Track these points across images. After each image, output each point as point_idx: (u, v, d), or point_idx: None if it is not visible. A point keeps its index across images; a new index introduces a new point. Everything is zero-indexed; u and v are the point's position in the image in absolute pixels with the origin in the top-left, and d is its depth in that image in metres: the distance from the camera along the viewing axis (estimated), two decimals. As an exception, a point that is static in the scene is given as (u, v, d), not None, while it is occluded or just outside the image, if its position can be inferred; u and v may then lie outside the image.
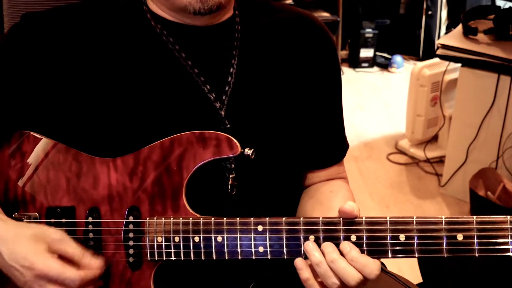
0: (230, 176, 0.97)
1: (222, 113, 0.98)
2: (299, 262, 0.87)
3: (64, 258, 0.88)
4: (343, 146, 1.15)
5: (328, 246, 0.86)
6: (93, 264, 0.89)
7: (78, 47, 0.97)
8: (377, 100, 4.10)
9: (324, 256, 0.85)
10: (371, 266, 0.84)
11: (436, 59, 2.98)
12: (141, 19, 1.00)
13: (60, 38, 0.97)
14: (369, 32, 4.62)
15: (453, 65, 2.93)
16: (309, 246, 0.86)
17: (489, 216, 0.83)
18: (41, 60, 0.96)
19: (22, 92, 0.97)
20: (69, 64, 0.96)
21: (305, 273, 0.86)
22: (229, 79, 1.00)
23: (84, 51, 0.97)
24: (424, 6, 4.54)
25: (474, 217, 0.83)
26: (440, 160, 3.09)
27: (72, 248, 0.89)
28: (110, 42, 0.98)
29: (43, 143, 0.97)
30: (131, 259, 0.94)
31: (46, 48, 0.96)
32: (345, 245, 0.85)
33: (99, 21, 0.99)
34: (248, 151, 0.93)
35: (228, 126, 0.98)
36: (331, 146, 1.12)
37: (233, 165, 0.97)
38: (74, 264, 0.88)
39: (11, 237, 0.88)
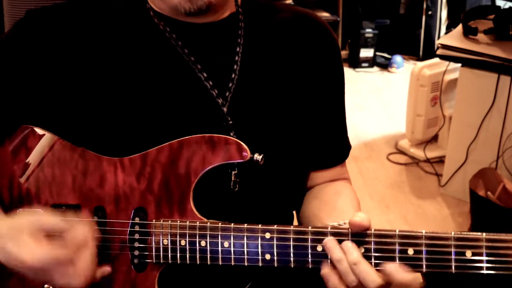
0: (233, 172, 0.96)
1: (225, 109, 0.98)
2: (330, 241, 0.85)
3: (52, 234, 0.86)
4: (346, 146, 1.15)
5: (348, 245, 0.84)
6: (80, 227, 0.87)
7: (82, 43, 0.97)
8: (377, 100, 4.10)
9: (345, 254, 0.84)
10: (372, 277, 0.83)
11: (436, 59, 2.98)
12: (144, 15, 1.01)
13: (64, 34, 0.97)
14: (369, 32, 4.62)
15: (453, 65, 2.93)
16: (331, 242, 0.85)
17: (498, 234, 0.82)
18: (45, 57, 0.96)
19: (27, 89, 0.97)
20: (72, 60, 0.96)
21: (336, 253, 0.85)
22: (232, 75, 1.00)
23: (88, 47, 0.97)
24: (424, 6, 4.54)
25: (484, 234, 0.81)
26: (440, 160, 3.09)
27: (51, 221, 0.87)
28: (113, 38, 0.98)
29: (48, 139, 0.97)
30: (136, 261, 0.94)
31: (50, 44, 0.96)
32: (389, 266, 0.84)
33: (102, 17, 0.99)
34: (257, 157, 0.93)
35: (231, 122, 0.98)
36: (334, 146, 1.12)
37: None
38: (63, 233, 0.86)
39: None
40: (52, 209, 0.95)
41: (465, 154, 2.72)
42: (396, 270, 0.83)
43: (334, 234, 0.86)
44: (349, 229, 0.85)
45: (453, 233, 0.82)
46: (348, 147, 1.15)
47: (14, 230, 0.85)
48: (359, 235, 0.85)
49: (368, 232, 0.85)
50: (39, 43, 0.96)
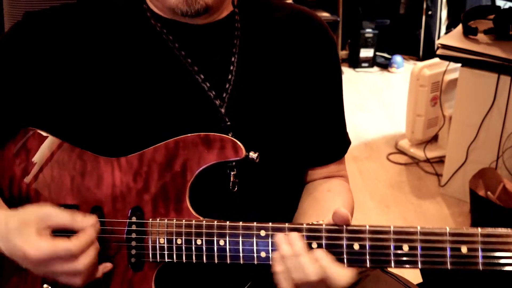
0: (232, 173, 0.97)
1: (223, 110, 0.99)
2: (278, 237, 0.87)
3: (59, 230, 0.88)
4: (344, 143, 1.14)
5: (295, 238, 0.85)
6: (86, 223, 0.89)
7: (80, 45, 0.97)
8: (377, 100, 4.10)
9: (290, 245, 0.85)
10: (337, 276, 0.83)
11: (436, 59, 2.98)
12: (141, 17, 1.01)
13: (62, 36, 0.97)
14: (369, 32, 4.62)
15: (453, 65, 2.93)
16: (279, 239, 0.86)
17: (494, 229, 0.81)
18: (43, 58, 0.97)
19: (26, 90, 0.97)
20: (70, 62, 0.97)
21: (282, 249, 0.86)
22: (229, 76, 1.00)
23: (85, 49, 0.97)
24: (424, 6, 4.54)
25: (479, 229, 0.81)
26: (440, 160, 3.09)
27: (60, 217, 0.88)
28: (111, 40, 0.98)
29: (49, 141, 0.98)
30: (133, 260, 0.94)
31: (48, 46, 0.97)
32: (319, 253, 0.84)
33: (100, 19, 1.00)
34: (252, 155, 0.93)
35: (229, 123, 0.98)
36: (331, 143, 1.12)
37: (234, 163, 0.97)
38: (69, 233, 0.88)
39: (3, 231, 0.88)
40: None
41: (465, 154, 2.72)
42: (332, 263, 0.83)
43: (328, 231, 0.86)
44: (344, 226, 0.85)
45: (448, 228, 0.82)
46: (346, 144, 1.15)
47: (22, 225, 0.87)
48: (353, 232, 0.85)
49: (362, 228, 0.85)
50: (37, 44, 0.97)
